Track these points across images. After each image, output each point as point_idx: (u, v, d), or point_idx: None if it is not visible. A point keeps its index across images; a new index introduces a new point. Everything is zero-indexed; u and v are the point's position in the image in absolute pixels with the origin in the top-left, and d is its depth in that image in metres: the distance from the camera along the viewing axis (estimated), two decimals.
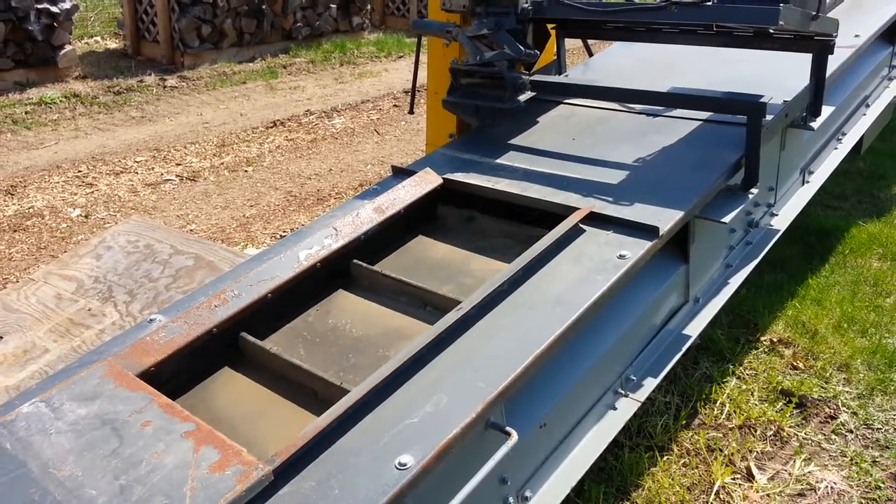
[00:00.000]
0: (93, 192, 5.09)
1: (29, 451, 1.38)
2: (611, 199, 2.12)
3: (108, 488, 1.28)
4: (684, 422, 2.54)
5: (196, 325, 1.72)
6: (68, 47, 7.55)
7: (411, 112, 3.52)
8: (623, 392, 1.95)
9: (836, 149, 3.23)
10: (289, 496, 1.27)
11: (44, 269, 2.79)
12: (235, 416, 1.63)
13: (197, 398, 1.69)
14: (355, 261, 2.08)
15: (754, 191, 2.30)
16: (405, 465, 1.31)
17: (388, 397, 1.48)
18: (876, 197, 4.41)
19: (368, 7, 10.31)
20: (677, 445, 2.44)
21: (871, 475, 2.32)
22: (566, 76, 3.21)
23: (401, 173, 2.46)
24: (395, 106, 7.20)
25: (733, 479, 2.31)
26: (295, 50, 9.11)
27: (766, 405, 2.62)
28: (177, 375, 1.68)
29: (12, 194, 5.03)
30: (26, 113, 6.69)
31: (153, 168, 5.56)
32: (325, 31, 9.61)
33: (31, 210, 4.79)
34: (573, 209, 2.06)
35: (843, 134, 3.29)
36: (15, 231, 4.48)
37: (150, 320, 1.82)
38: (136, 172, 5.47)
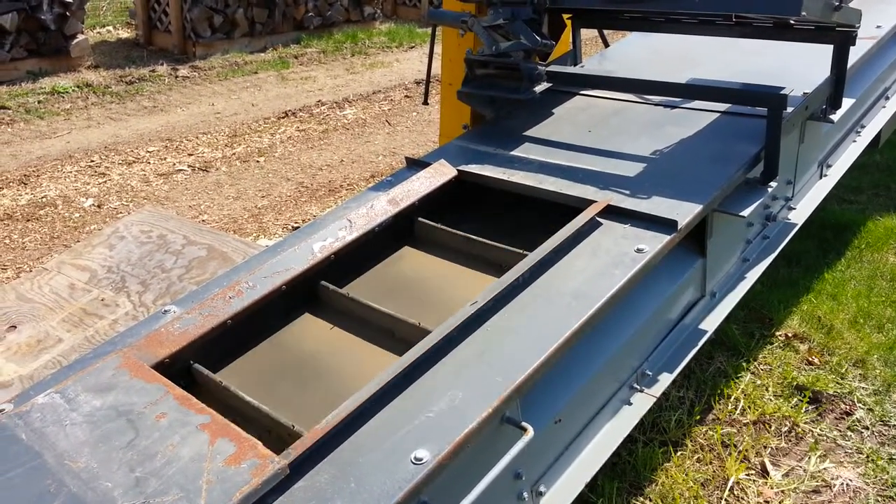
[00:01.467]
0: (105, 182, 5.11)
1: (44, 443, 1.38)
2: (628, 192, 2.09)
3: (123, 480, 1.27)
4: (698, 417, 2.52)
5: (210, 317, 1.72)
6: (80, 37, 7.56)
7: (426, 103, 3.50)
8: (638, 387, 1.93)
9: (854, 142, 3.18)
10: (304, 490, 1.27)
11: (57, 258, 2.79)
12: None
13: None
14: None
15: (773, 184, 2.27)
16: (421, 459, 1.30)
17: (403, 392, 1.47)
18: (893, 191, 4.36)
19: None
20: (691, 441, 2.42)
21: (888, 472, 2.29)
22: (582, 67, 3.17)
23: (415, 165, 2.45)
24: (406, 97, 7.17)
25: (748, 475, 2.29)
26: (306, 40, 9.09)
27: (781, 401, 2.60)
28: (191, 367, 1.68)
29: (25, 184, 5.05)
30: (39, 102, 6.71)
31: (165, 158, 5.56)
32: (336, 21, 9.58)
33: (44, 199, 4.80)
34: (590, 202, 2.04)
35: (862, 127, 3.24)
36: (28, 220, 4.49)
37: (165, 311, 1.82)
38: (149, 162, 5.48)
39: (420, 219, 2.20)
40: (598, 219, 1.99)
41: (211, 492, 1.22)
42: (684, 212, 1.96)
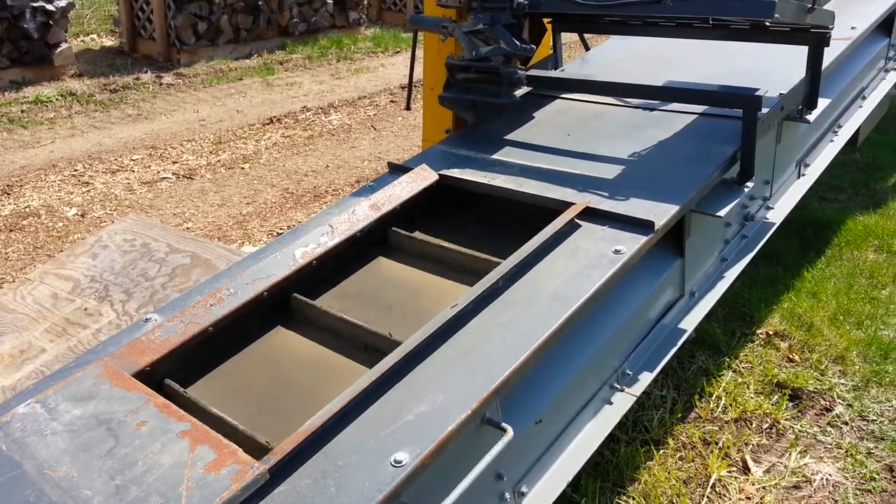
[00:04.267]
0: (89, 191, 5.09)
1: (25, 452, 1.38)
2: (606, 194, 2.12)
3: (103, 489, 1.28)
4: (680, 415, 2.54)
5: (192, 324, 1.72)
6: (64, 45, 7.53)
7: (408, 108, 3.52)
8: (619, 387, 1.95)
9: (832, 141, 3.23)
10: (284, 494, 1.28)
11: (40, 268, 2.78)
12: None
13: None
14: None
15: (750, 184, 2.30)
16: (400, 462, 1.31)
17: (383, 395, 1.48)
18: (872, 189, 4.41)
19: (365, 2, 10.28)
20: (673, 439, 2.45)
21: (866, 466, 2.32)
22: (562, 71, 3.20)
23: (397, 170, 2.46)
24: (391, 102, 7.19)
25: (729, 471, 2.32)
26: (291, 46, 9.09)
27: (762, 398, 2.63)
28: (172, 374, 1.68)
29: (8, 194, 5.02)
30: (22, 112, 6.67)
31: (150, 166, 5.55)
32: (321, 27, 9.58)
33: (27, 209, 4.78)
34: (569, 204, 2.06)
35: (840, 126, 3.29)
36: (11, 230, 4.47)
37: (146, 319, 1.82)
38: (133, 171, 5.46)
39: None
40: (576, 221, 2.01)
41: (191, 498, 1.23)
42: (661, 213, 1.98)
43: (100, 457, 1.35)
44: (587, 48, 3.66)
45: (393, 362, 1.53)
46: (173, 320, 1.73)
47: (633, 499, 2.21)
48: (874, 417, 2.54)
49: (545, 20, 3.01)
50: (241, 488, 1.23)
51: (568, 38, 3.45)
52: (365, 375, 1.50)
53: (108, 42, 9.21)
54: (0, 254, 4.18)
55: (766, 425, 2.51)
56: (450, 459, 1.42)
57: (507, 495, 1.61)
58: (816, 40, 2.52)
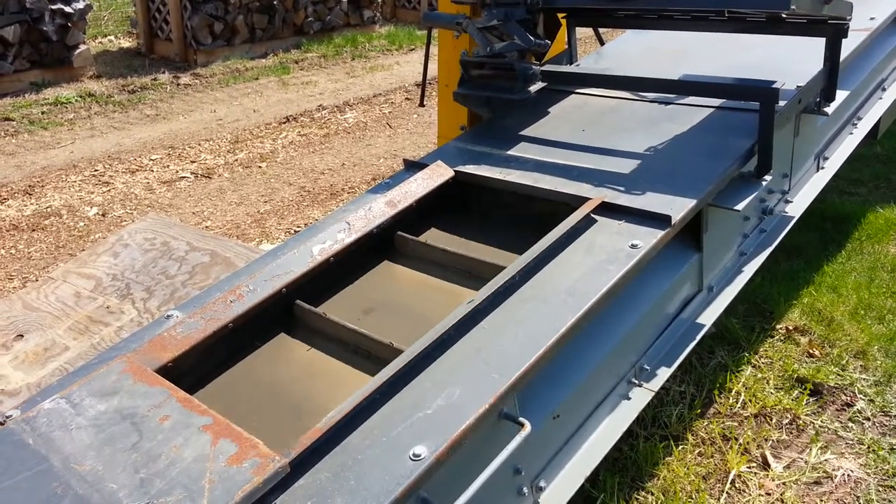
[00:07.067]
0: (109, 191, 5.15)
1: (51, 447, 1.41)
2: (622, 188, 2.11)
3: (128, 482, 1.30)
4: (699, 411, 2.53)
5: (212, 321, 1.74)
6: (83, 47, 7.62)
7: (422, 105, 3.53)
8: (637, 382, 1.95)
9: (851, 134, 3.19)
10: (305, 488, 1.29)
11: (62, 267, 2.83)
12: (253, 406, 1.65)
13: (215, 391, 1.71)
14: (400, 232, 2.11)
15: (768, 178, 2.28)
16: (419, 456, 1.32)
17: (401, 389, 1.49)
18: (893, 182, 4.36)
19: (379, 0, 10.30)
20: (692, 435, 2.44)
21: (889, 462, 2.30)
22: (577, 65, 3.19)
23: (413, 166, 2.47)
24: (406, 99, 7.20)
25: (749, 467, 2.30)
26: (306, 45, 9.13)
27: (782, 393, 2.61)
28: (194, 370, 1.70)
29: (30, 194, 5.10)
30: (42, 113, 6.77)
31: (168, 166, 5.61)
32: (336, 26, 9.62)
33: (48, 209, 4.85)
34: (585, 199, 2.06)
35: (859, 118, 3.25)
36: (33, 230, 4.54)
37: (168, 316, 1.84)
38: (152, 170, 5.52)
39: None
40: (592, 216, 2.01)
41: (213, 491, 1.24)
42: (678, 207, 1.98)
43: (124, 451, 1.37)
44: (602, 43, 3.65)
45: (410, 358, 1.54)
46: (194, 317, 1.76)
47: (652, 494, 2.20)
48: None
49: (559, 15, 3.00)
50: (263, 481, 1.25)
51: (582, 32, 3.43)
52: (382, 371, 1.51)
53: (126, 43, 9.31)
54: (23, 253, 4.25)
55: (787, 421, 2.49)
56: (468, 454, 1.43)
57: (525, 490, 1.61)
58: (834, 32, 2.49)
